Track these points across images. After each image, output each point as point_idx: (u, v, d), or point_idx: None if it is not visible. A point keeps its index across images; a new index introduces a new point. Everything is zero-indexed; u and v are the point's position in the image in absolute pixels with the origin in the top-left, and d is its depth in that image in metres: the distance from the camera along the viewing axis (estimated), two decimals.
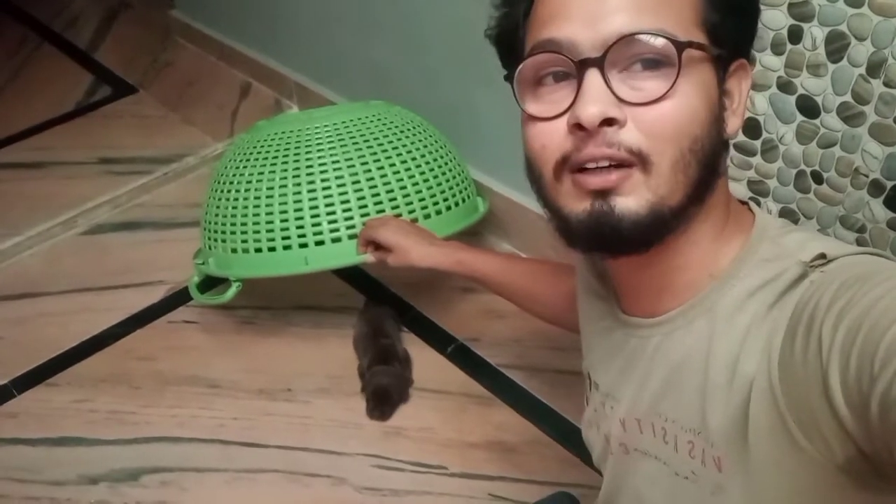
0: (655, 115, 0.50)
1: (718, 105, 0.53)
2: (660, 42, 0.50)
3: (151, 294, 1.43)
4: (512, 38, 0.57)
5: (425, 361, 1.27)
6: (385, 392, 1.19)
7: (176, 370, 1.29)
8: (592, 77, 0.50)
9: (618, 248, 0.54)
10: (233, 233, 1.20)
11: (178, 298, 1.41)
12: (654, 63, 0.50)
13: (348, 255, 1.15)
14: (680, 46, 0.50)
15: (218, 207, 1.23)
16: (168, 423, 1.20)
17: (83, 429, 1.20)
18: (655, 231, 0.52)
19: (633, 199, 0.51)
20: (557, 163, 0.53)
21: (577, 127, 0.51)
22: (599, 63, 0.50)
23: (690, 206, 0.53)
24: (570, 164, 0.52)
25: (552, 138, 0.53)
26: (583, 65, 0.50)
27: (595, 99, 0.50)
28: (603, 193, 0.51)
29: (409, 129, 1.26)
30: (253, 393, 1.24)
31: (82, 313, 1.41)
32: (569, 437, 1.11)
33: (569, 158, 0.52)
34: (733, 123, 0.55)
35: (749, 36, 0.56)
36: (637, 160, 0.50)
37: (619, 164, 0.51)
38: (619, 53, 0.50)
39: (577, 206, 0.53)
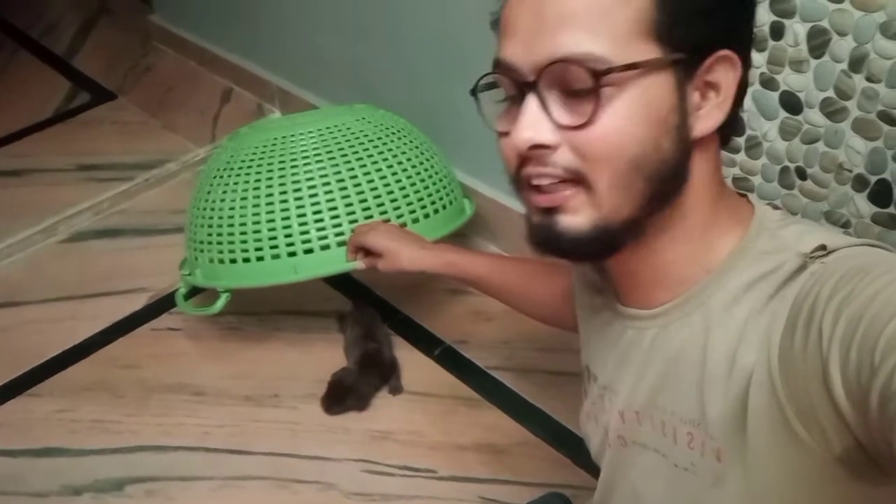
0: (586, 139, 0.51)
1: (677, 111, 0.51)
2: (575, 70, 0.49)
3: (134, 301, 1.41)
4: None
5: (413, 364, 1.26)
6: (342, 390, 1.19)
7: (160, 378, 1.27)
8: (530, 101, 0.51)
9: (563, 257, 0.56)
10: (219, 243, 1.18)
11: (162, 305, 1.40)
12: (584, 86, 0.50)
13: (338, 262, 1.14)
14: (596, 75, 0.49)
15: (203, 218, 1.21)
16: (153, 431, 1.19)
17: (66, 439, 1.18)
18: (601, 245, 0.54)
19: (575, 217, 0.53)
20: (513, 176, 0.56)
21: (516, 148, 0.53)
22: (534, 87, 0.51)
23: (644, 218, 0.54)
24: (521, 179, 0.55)
25: (509, 153, 0.55)
26: (524, 87, 0.52)
27: (528, 125, 0.51)
28: (548, 210, 0.54)
29: (394, 133, 1.25)
30: (239, 399, 1.23)
31: (64, 322, 1.39)
32: (559, 437, 1.11)
33: (519, 173, 0.55)
34: (711, 119, 0.53)
35: (726, 28, 0.53)
36: (575, 178, 0.52)
37: (563, 181, 0.52)
38: (553, 77, 0.51)
39: (532, 215, 0.56)
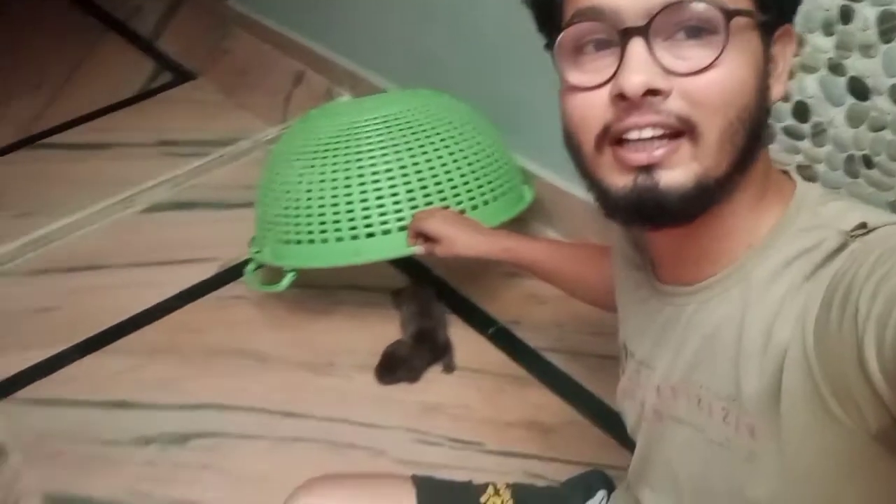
0: (702, 85, 0.49)
1: (764, 72, 0.53)
2: (707, 10, 0.49)
3: (204, 270, 1.48)
4: (549, 2, 0.56)
5: (466, 342, 1.29)
6: (395, 362, 1.23)
7: (224, 343, 1.33)
8: (636, 46, 0.49)
9: (660, 221, 0.54)
10: (286, 224, 1.23)
11: (229, 275, 1.46)
12: (698, 31, 0.50)
13: (398, 246, 1.17)
14: (728, 14, 0.49)
15: (272, 198, 1.27)
16: (216, 391, 1.25)
17: (137, 394, 1.26)
18: (700, 203, 0.52)
19: (679, 172, 0.51)
20: (598, 134, 0.52)
21: (620, 97, 0.50)
22: (644, 32, 0.49)
23: (735, 175, 0.53)
24: (611, 135, 0.52)
25: (593, 109, 0.52)
26: (626, 34, 0.49)
27: (639, 68, 0.49)
28: (647, 168, 0.51)
29: (456, 119, 1.28)
30: (297, 366, 1.28)
31: (138, 287, 1.47)
32: (606, 419, 1.11)
33: (610, 129, 0.52)
34: (777, 90, 0.54)
35: (794, 0, 0.55)
36: (685, 128, 0.50)
37: (663, 135, 0.50)
38: (664, 21, 0.49)
39: (618, 179, 0.52)
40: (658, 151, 0.50)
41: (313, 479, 0.81)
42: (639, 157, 0.51)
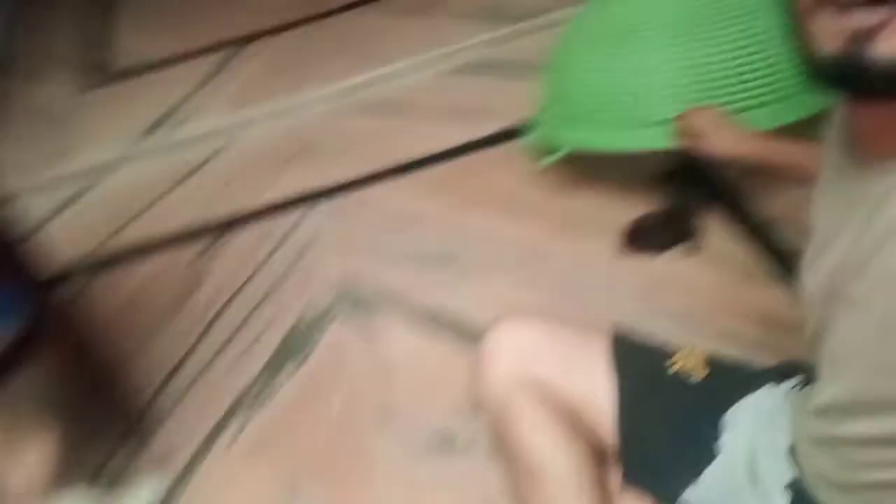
0: None
1: None
2: None
3: (489, 127, 1.63)
4: None
5: (721, 229, 1.28)
6: (641, 233, 1.28)
7: (490, 191, 1.49)
8: None
9: (865, 93, 0.51)
10: (566, 102, 1.30)
11: (510, 135, 1.59)
12: None
13: (663, 139, 1.17)
14: None
15: (558, 76, 1.34)
16: (472, 229, 1.42)
17: (414, 220, 1.47)
18: None
19: (891, 43, 0.48)
20: None
21: None
22: None
23: None
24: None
25: None
26: None
27: None
28: (861, 34, 0.48)
29: (748, 15, 1.21)
30: (546, 223, 1.39)
31: (434, 134, 1.67)
32: None
33: None
34: None
35: None
36: None
37: (885, 0, 0.47)
38: None
39: (829, 43, 0.50)
40: (876, 17, 0.48)
41: (522, 314, 0.91)
42: (854, 20, 0.48)
